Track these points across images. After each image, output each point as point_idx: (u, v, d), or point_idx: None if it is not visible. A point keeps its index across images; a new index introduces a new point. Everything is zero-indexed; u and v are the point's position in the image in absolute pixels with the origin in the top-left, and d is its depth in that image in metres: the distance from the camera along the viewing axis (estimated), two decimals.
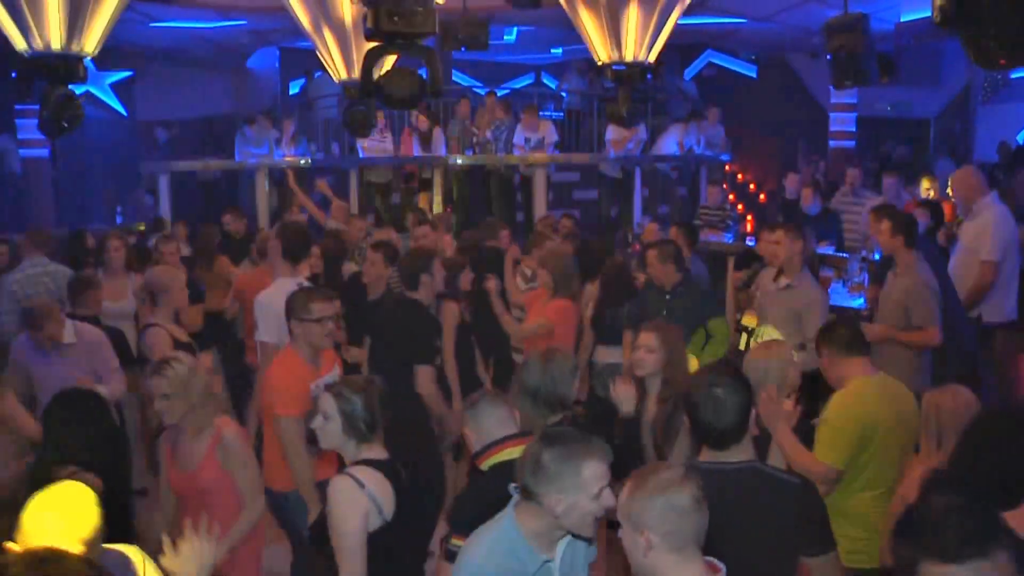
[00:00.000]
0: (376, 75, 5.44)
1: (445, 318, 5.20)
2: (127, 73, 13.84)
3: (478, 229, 7.60)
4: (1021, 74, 12.46)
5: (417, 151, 10.75)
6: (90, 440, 3.15)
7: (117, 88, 14.01)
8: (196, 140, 13.52)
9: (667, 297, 5.18)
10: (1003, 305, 5.53)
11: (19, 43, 5.92)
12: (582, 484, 2.21)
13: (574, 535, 2.34)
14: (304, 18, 7.93)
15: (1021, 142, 12.88)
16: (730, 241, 8.87)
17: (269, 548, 3.92)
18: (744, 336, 5.36)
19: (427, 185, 10.88)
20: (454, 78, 14.00)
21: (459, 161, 10.59)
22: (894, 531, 1.83)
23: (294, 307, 3.86)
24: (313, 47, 8.30)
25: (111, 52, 9.74)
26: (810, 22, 10.47)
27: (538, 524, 2.31)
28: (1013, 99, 13.53)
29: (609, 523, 2.58)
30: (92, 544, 2.23)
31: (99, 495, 2.34)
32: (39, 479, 3.01)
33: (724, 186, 11.75)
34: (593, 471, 2.24)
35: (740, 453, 2.46)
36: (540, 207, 10.02)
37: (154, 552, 2.46)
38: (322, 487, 3.12)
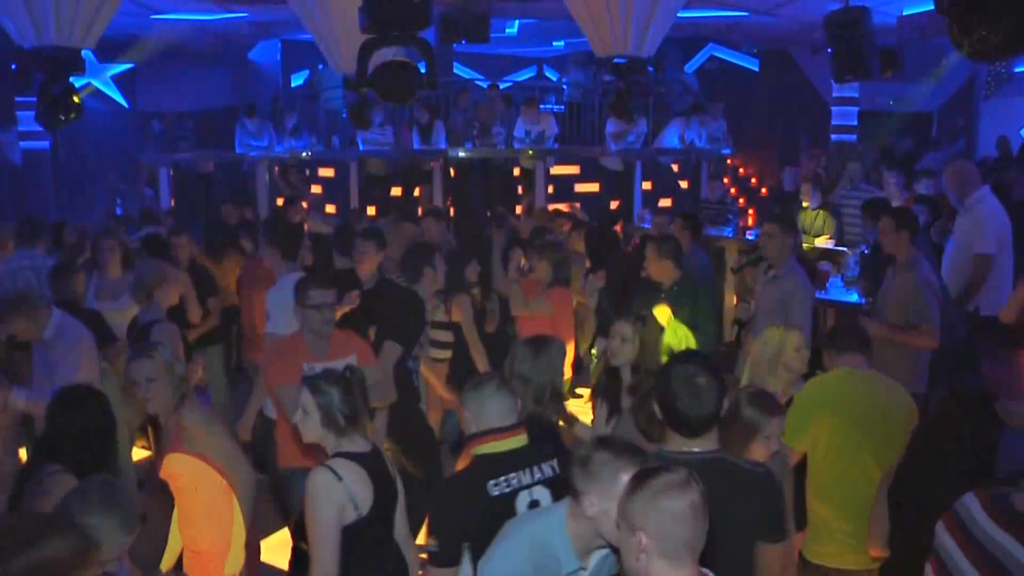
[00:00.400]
0: (371, 68, 5.44)
1: (461, 310, 5.18)
2: (128, 65, 13.83)
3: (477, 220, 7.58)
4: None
5: (417, 144, 10.74)
6: (84, 438, 3.13)
7: (119, 80, 14.02)
8: (198, 132, 13.51)
9: (662, 296, 5.17)
10: (998, 297, 5.52)
11: (18, 36, 5.93)
12: (617, 493, 2.11)
13: (614, 550, 2.26)
14: (304, 9, 7.92)
15: (1023, 137, 12.82)
16: (730, 235, 8.86)
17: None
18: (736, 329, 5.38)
19: (427, 178, 10.87)
20: (456, 71, 13.98)
21: (460, 154, 10.57)
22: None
23: (297, 294, 4.01)
24: (315, 39, 8.30)
25: (111, 44, 9.72)
26: (812, 15, 10.42)
27: (582, 526, 2.32)
28: (1017, 93, 13.47)
29: None
30: None
31: None
32: (23, 476, 3.04)
33: (725, 180, 11.73)
34: None
35: (709, 443, 2.49)
36: (540, 200, 10.02)
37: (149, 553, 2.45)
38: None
